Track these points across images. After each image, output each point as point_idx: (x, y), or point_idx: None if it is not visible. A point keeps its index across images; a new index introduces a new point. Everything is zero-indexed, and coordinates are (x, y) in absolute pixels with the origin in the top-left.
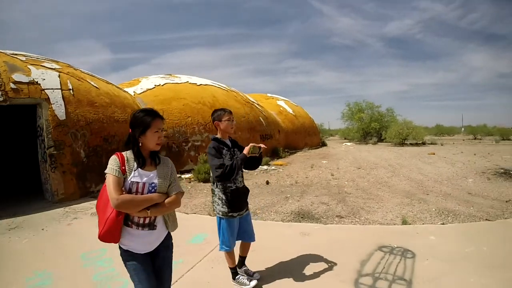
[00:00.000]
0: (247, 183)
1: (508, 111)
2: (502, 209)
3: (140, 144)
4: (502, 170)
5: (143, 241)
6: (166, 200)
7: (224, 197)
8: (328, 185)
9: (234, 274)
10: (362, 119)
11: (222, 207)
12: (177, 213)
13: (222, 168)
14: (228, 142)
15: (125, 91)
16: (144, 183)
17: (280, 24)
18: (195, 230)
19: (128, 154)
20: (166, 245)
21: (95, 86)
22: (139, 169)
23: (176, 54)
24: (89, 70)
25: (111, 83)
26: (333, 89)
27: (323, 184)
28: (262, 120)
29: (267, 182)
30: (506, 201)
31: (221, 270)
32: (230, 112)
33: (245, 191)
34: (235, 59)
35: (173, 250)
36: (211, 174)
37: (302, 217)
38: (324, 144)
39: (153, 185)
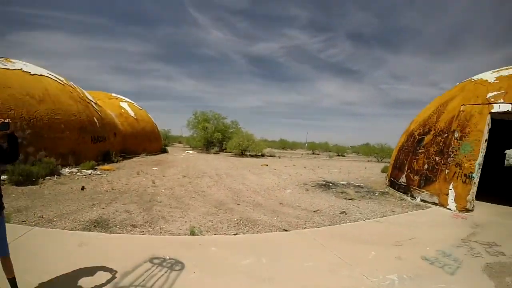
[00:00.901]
0: (63, 188)
1: (349, 133)
2: (307, 219)
3: None
4: (323, 182)
5: None
6: None
7: None
8: (144, 192)
9: None
10: (206, 129)
11: None
12: None
13: None
14: None
15: None
16: None
17: (152, 24)
18: None
19: None
20: None
21: None
22: None
23: (38, 34)
24: None
25: None
26: (193, 98)
27: (139, 192)
28: (96, 121)
29: (83, 188)
30: (314, 211)
31: None
32: None
33: None
34: (97, 51)
35: None
36: None
37: (95, 226)
38: (165, 151)
39: None
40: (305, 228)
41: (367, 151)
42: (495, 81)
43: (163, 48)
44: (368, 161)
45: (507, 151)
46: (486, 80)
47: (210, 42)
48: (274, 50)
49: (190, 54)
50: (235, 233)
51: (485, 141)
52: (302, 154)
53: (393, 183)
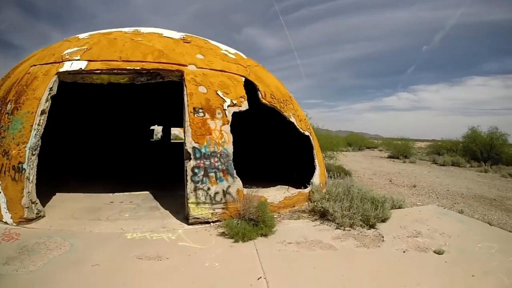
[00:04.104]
0: None
1: None
2: None
3: None
4: None
5: None
6: None
7: None
8: None
9: None
10: None
11: None
12: None
13: None
14: None
15: None
16: None
17: None
18: None
19: None
20: None
21: None
22: None
23: None
24: None
25: None
26: None
27: None
28: None
29: None
30: None
31: None
32: None
33: None
34: None
35: None
36: None
37: None
38: None
39: None
40: None
41: None
42: (86, 38)
43: None
44: None
45: (153, 127)
46: (78, 37)
47: None
48: None
49: None
50: None
51: (43, 114)
52: None
53: None
